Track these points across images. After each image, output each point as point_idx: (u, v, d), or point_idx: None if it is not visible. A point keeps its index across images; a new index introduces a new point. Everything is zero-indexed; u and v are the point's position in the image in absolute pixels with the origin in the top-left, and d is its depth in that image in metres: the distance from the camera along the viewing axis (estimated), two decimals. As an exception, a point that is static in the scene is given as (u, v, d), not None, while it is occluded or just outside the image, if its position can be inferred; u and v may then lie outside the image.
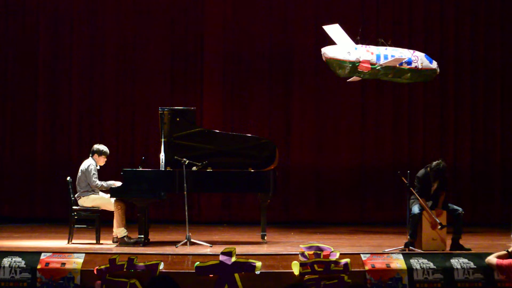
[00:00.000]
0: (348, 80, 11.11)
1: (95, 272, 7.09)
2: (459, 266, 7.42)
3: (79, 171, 9.29)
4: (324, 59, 10.54)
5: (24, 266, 7.24)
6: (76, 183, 9.26)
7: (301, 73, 13.04)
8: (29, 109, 12.94)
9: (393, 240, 9.36)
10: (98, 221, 9.09)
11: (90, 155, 9.39)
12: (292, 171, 12.91)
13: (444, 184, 8.60)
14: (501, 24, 13.04)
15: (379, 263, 7.40)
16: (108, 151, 9.44)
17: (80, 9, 13.06)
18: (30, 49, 12.97)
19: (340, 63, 10.40)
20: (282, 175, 11.61)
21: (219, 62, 13.03)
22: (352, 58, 10.38)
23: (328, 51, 10.46)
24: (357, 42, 10.59)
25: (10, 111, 12.95)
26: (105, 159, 9.42)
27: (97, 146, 9.42)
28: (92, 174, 9.17)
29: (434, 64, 10.92)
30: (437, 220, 8.36)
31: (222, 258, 7.11)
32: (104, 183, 9.18)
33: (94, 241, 9.04)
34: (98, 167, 9.35)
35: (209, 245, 8.66)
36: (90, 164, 9.27)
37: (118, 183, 9.10)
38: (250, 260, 7.12)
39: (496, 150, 12.97)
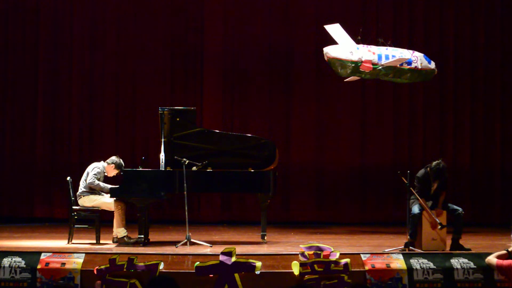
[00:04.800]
0: (346, 80, 11.11)
1: (95, 272, 7.09)
2: (459, 266, 7.42)
3: (86, 170, 9.31)
4: (326, 58, 10.53)
5: (24, 266, 7.23)
6: (81, 181, 9.27)
7: (301, 73, 13.04)
8: (29, 109, 12.93)
9: (393, 240, 9.37)
10: (98, 221, 9.09)
11: (107, 161, 9.37)
12: (292, 171, 12.90)
13: (444, 184, 8.60)
14: (501, 24, 13.04)
15: (379, 263, 7.40)
16: (123, 168, 9.39)
17: (80, 9, 13.05)
18: (30, 49, 12.96)
19: (343, 62, 10.39)
20: (282, 175, 11.61)
21: (219, 62, 13.03)
22: (355, 58, 10.38)
23: (330, 51, 10.45)
24: (357, 42, 10.59)
25: (10, 111, 12.95)
26: (116, 174, 9.40)
27: (116, 159, 9.39)
28: (94, 173, 9.18)
29: (433, 65, 10.93)
30: (437, 220, 8.36)
31: (222, 258, 7.10)
32: (101, 184, 9.18)
33: (94, 241, 9.04)
34: (105, 174, 9.35)
35: (209, 245, 8.66)
36: (98, 166, 9.29)
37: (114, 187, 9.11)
38: (250, 260, 7.12)
39: (496, 150, 12.97)
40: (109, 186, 9.11)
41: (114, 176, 9.45)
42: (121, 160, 9.45)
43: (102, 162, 9.42)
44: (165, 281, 4.94)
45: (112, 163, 9.38)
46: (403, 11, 13.09)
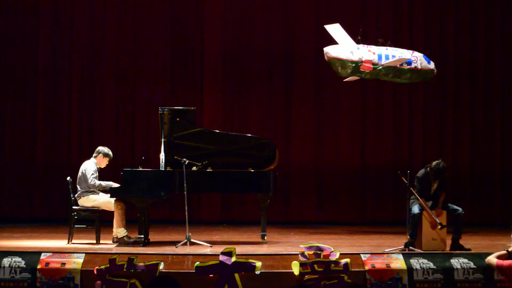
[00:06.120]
0: (345, 80, 11.10)
1: (95, 272, 7.09)
2: (459, 266, 7.42)
3: (80, 171, 9.31)
4: (326, 58, 10.52)
5: (24, 266, 7.24)
6: (77, 183, 9.27)
7: (301, 73, 13.03)
8: (29, 109, 12.93)
9: (393, 240, 9.37)
10: (98, 221, 9.09)
11: (94, 155, 9.40)
12: (292, 171, 12.90)
13: (444, 184, 8.60)
14: (501, 24, 13.04)
15: (379, 263, 7.40)
16: (112, 155, 9.46)
17: (80, 9, 13.06)
18: (30, 49, 12.97)
19: (343, 62, 10.39)
20: (282, 175, 11.61)
21: (219, 62, 13.03)
22: (355, 58, 10.38)
23: (331, 51, 10.44)
24: (358, 42, 10.59)
25: (10, 110, 12.95)
26: (107, 162, 9.44)
27: (102, 148, 9.44)
28: (91, 174, 9.18)
29: (432, 65, 10.94)
30: (437, 220, 8.36)
31: (222, 258, 7.11)
32: (102, 183, 9.19)
33: (94, 241, 9.04)
34: (99, 168, 9.37)
35: (209, 245, 8.66)
36: (90, 164, 9.29)
37: (116, 184, 9.11)
38: (250, 260, 7.12)
39: (496, 150, 12.97)
40: (110, 182, 9.13)
41: (106, 165, 9.45)
42: (106, 148, 9.45)
43: (91, 158, 9.42)
44: (165, 281, 4.95)
45: (99, 153, 9.39)
46: (403, 11, 13.09)
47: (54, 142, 12.94)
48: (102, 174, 9.45)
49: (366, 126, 13.02)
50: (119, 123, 13.04)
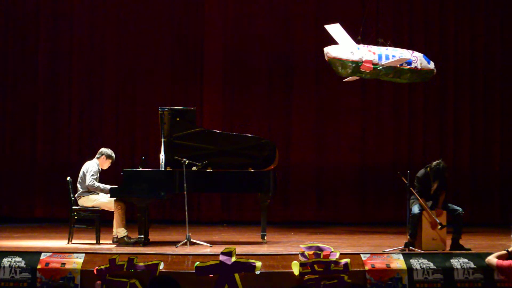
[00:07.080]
0: (345, 80, 11.10)
1: (95, 272, 7.09)
2: (459, 266, 7.42)
3: (81, 171, 9.31)
4: (326, 58, 10.52)
5: (24, 266, 7.23)
6: (78, 182, 9.27)
7: (302, 73, 13.04)
8: (29, 109, 12.94)
9: (393, 240, 9.37)
10: (98, 221, 9.09)
11: (97, 156, 9.39)
12: (292, 171, 12.91)
13: (444, 184, 8.60)
14: (501, 24, 13.04)
15: (379, 263, 7.40)
16: (114, 157, 9.46)
17: (80, 9, 13.07)
18: (30, 49, 12.97)
19: (343, 62, 10.38)
20: (282, 175, 11.61)
21: (219, 62, 13.04)
22: (355, 58, 10.37)
23: (331, 51, 10.44)
24: (358, 42, 10.59)
25: (10, 110, 12.96)
26: (110, 164, 9.43)
27: (105, 149, 9.43)
28: (91, 175, 9.17)
29: (432, 65, 10.94)
30: (437, 220, 8.36)
31: (222, 258, 7.10)
32: (101, 185, 9.18)
33: (94, 241, 9.04)
34: (100, 169, 9.36)
35: (209, 245, 8.67)
36: (92, 165, 9.29)
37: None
38: (250, 260, 7.12)
39: (496, 150, 12.98)
40: (109, 186, 9.12)
41: (109, 167, 9.46)
42: (110, 150, 9.45)
43: (94, 159, 9.42)
44: (165, 281, 4.96)
45: (102, 155, 9.39)
46: (403, 11, 13.09)
47: (54, 142, 12.95)
48: (103, 174, 9.45)
49: (366, 126, 13.03)
50: (119, 123, 13.05)
